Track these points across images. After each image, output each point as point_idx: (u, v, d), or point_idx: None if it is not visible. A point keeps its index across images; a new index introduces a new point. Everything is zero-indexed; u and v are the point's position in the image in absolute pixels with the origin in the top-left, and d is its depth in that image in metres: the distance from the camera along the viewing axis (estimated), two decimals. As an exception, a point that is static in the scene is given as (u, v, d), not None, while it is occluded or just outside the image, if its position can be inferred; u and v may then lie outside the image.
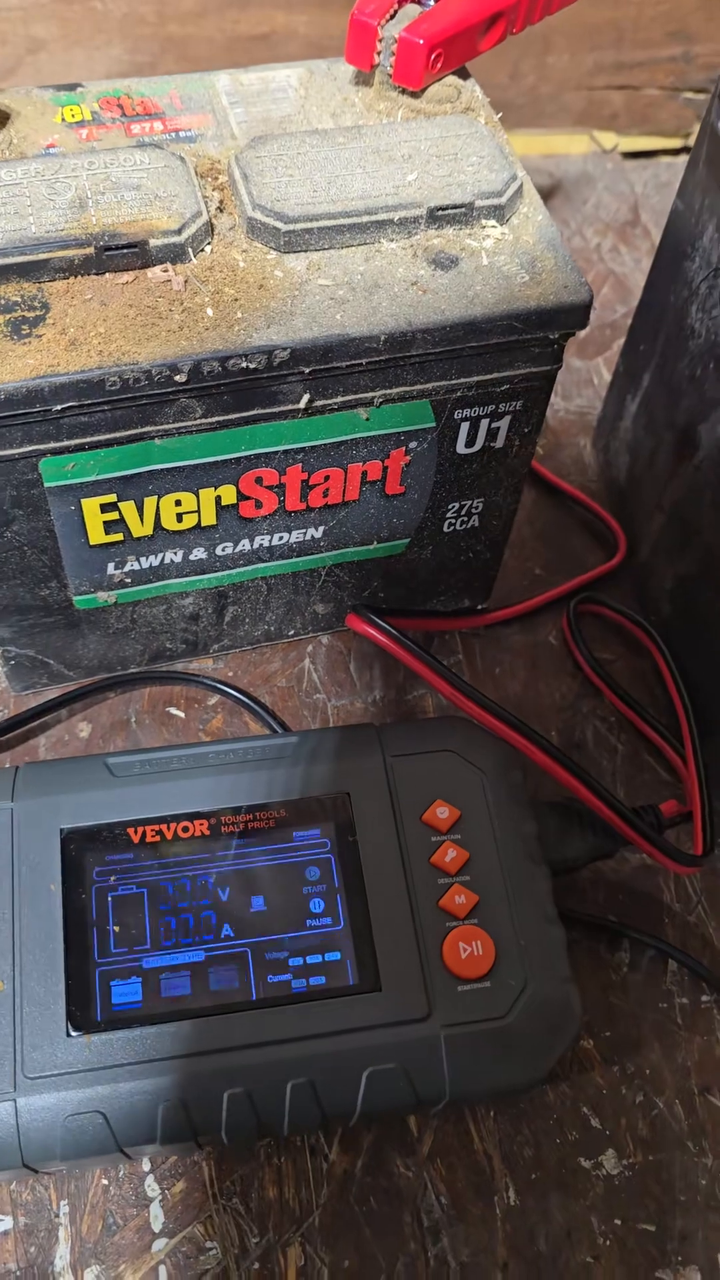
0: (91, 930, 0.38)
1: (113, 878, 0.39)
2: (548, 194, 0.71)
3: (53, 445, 0.38)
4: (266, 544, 0.45)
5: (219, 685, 0.50)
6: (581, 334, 0.65)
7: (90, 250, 0.37)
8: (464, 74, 0.46)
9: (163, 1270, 0.39)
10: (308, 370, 0.38)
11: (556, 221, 0.68)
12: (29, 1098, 0.35)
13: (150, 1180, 0.41)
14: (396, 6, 0.44)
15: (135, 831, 0.39)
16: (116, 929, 0.38)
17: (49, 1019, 0.36)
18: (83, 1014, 0.36)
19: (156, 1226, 0.40)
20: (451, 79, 0.45)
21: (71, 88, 0.45)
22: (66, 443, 0.38)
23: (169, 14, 0.63)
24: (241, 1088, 0.36)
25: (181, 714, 0.50)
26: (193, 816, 0.40)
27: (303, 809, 0.40)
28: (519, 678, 0.52)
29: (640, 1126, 0.43)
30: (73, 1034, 0.36)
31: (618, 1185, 0.42)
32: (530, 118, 0.71)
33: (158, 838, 0.39)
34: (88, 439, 0.38)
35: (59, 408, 0.36)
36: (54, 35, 0.62)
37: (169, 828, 0.40)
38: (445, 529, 0.48)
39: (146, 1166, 0.41)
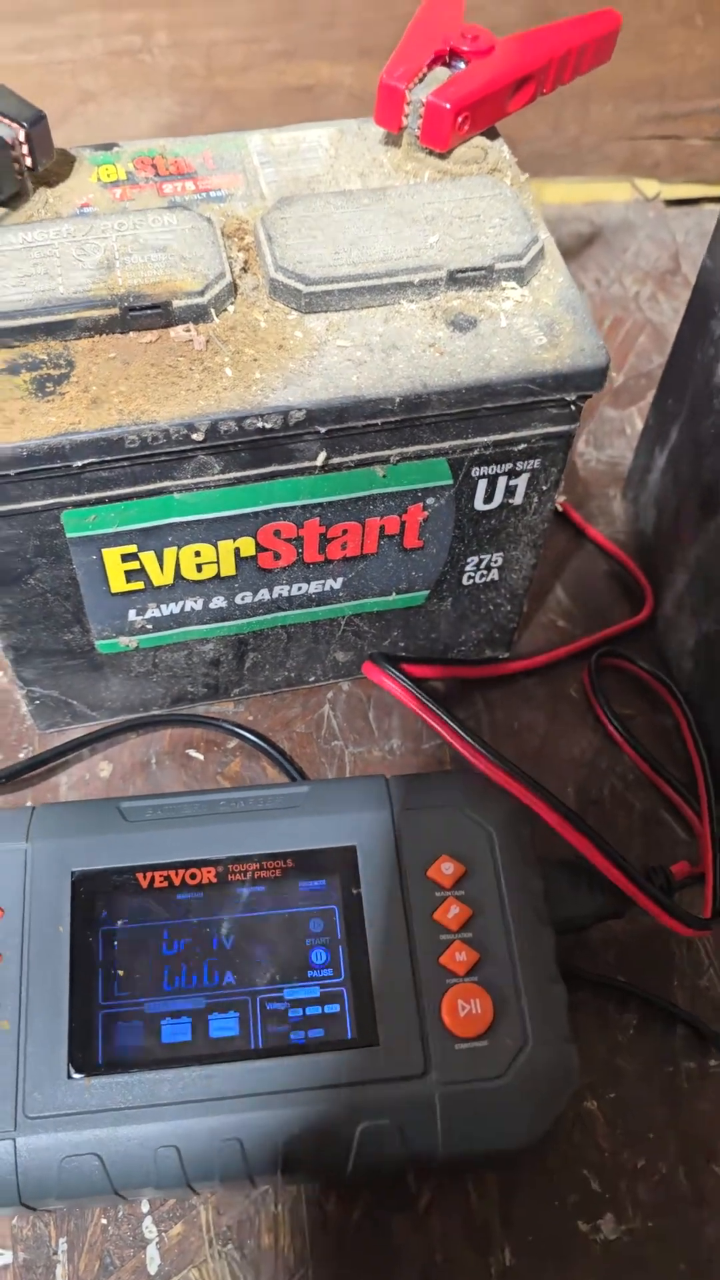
0: (97, 972, 0.38)
1: (120, 921, 0.39)
2: (588, 241, 0.71)
3: (74, 498, 0.39)
4: (286, 594, 0.46)
5: (238, 730, 0.50)
6: (617, 382, 0.65)
7: (115, 311, 0.38)
8: (492, 134, 0.47)
9: (156, 1315, 0.40)
10: (324, 430, 0.39)
11: (595, 269, 0.68)
12: (28, 1137, 0.36)
13: (148, 1222, 0.41)
14: (425, 70, 0.45)
15: (144, 876, 0.40)
16: (121, 972, 0.39)
17: (51, 1060, 0.37)
18: (84, 1056, 0.37)
19: (153, 1269, 0.40)
20: (479, 140, 0.46)
21: (109, 147, 0.46)
22: (88, 496, 0.39)
23: (216, 67, 0.64)
24: (236, 1137, 0.36)
25: (200, 756, 0.51)
26: (201, 864, 0.40)
27: (309, 860, 0.41)
28: (538, 730, 0.52)
29: (641, 1191, 0.42)
30: (74, 1076, 0.37)
31: (616, 1250, 0.41)
32: (572, 167, 0.72)
33: (166, 883, 0.40)
34: (108, 493, 0.39)
35: (80, 464, 0.37)
36: (104, 87, 0.64)
37: (177, 874, 0.40)
38: (464, 582, 0.48)
39: (145, 1208, 0.41)
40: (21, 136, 0.42)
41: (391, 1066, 0.37)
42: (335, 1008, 0.38)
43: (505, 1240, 0.41)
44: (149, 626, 0.45)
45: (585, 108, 0.68)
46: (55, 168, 0.44)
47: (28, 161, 0.42)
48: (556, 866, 0.43)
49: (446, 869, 0.41)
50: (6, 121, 0.42)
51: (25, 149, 0.42)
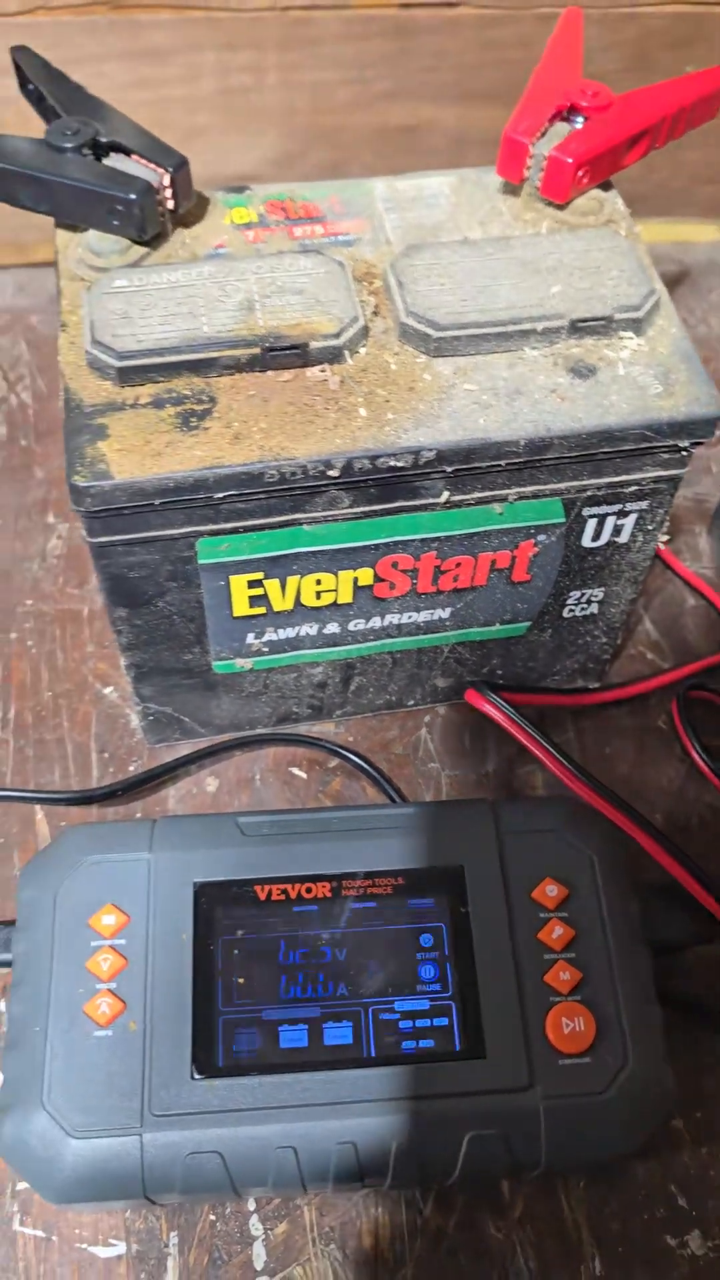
0: (218, 980, 0.40)
1: (239, 931, 0.41)
2: (675, 281, 0.73)
3: (210, 527, 0.41)
4: (396, 622, 0.48)
5: (341, 751, 0.52)
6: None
7: (256, 350, 0.41)
8: (606, 186, 0.49)
9: (263, 1310, 0.41)
10: (450, 469, 0.41)
11: (682, 309, 0.70)
12: (154, 1134, 0.38)
13: (254, 1220, 0.43)
14: (547, 124, 0.47)
15: (262, 889, 0.42)
16: (240, 980, 0.40)
17: (176, 1061, 0.39)
18: (206, 1058, 0.39)
19: (259, 1265, 0.42)
20: (595, 192, 0.48)
21: (240, 190, 0.48)
22: (223, 525, 0.41)
23: (322, 106, 0.67)
24: (351, 1141, 0.38)
25: (303, 775, 0.53)
26: (316, 879, 0.42)
27: (419, 878, 0.42)
28: (627, 759, 0.54)
29: (729, 1211, 0.44)
30: (196, 1077, 0.38)
31: (703, 1266, 0.42)
32: (661, 208, 0.74)
33: (283, 896, 0.42)
34: (242, 523, 0.41)
35: (220, 495, 0.40)
36: (214, 124, 0.67)
37: (293, 888, 0.42)
38: (565, 614, 0.50)
39: (251, 1206, 0.43)
40: (166, 180, 0.44)
41: (498, 1079, 0.39)
42: (444, 1021, 0.40)
43: (596, 1250, 0.43)
44: (265, 649, 0.47)
45: (676, 152, 0.69)
46: (191, 210, 0.47)
47: (170, 204, 0.45)
48: (653, 890, 0.45)
49: (550, 891, 0.42)
50: (152, 165, 0.44)
51: (169, 192, 0.44)
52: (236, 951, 0.41)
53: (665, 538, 0.47)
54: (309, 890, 0.42)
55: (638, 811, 0.45)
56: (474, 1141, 0.38)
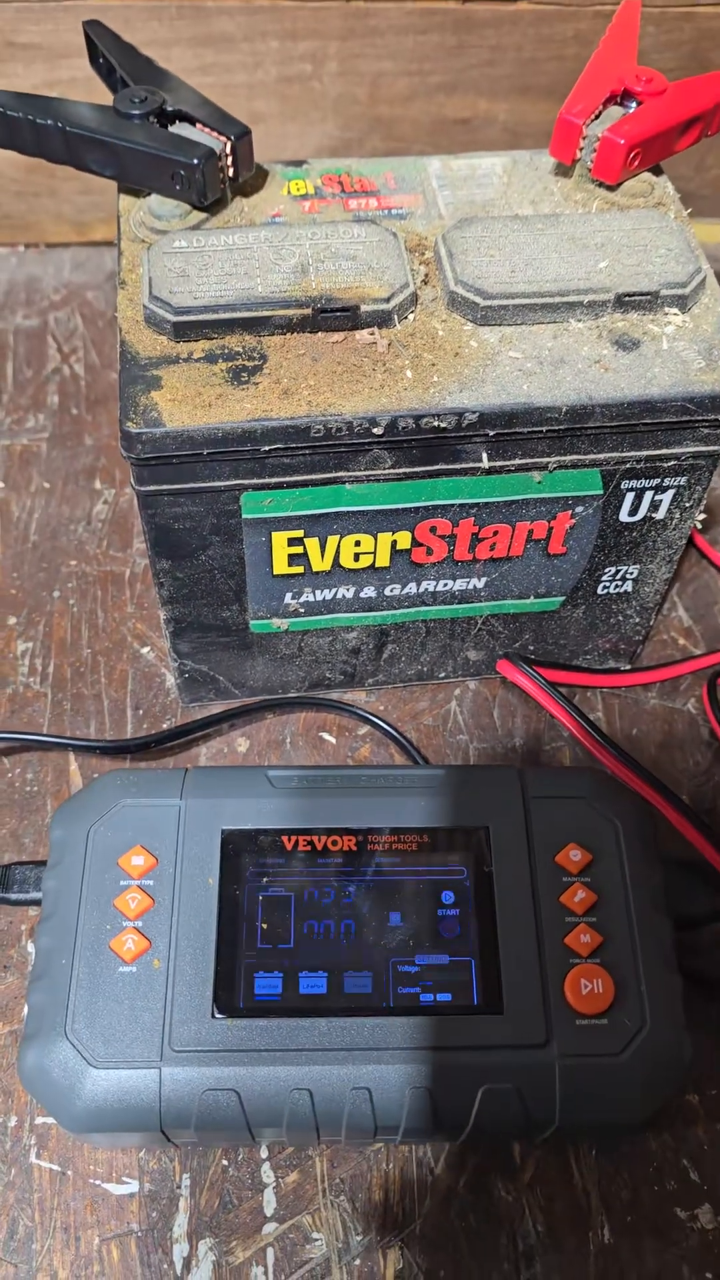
0: (242, 925, 0.41)
1: (265, 879, 0.42)
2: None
3: (255, 481, 0.42)
4: (431, 589, 0.49)
5: (370, 717, 0.53)
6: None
7: (308, 311, 0.42)
8: (657, 170, 0.49)
9: (270, 1252, 0.42)
10: (492, 433, 0.42)
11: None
12: (173, 1069, 0.38)
13: (266, 1167, 0.43)
14: (600, 108, 0.47)
15: (289, 839, 0.43)
16: (264, 926, 0.41)
17: (197, 1000, 0.39)
18: (227, 999, 0.40)
19: (269, 1211, 0.43)
20: (645, 175, 0.49)
21: (299, 164, 0.50)
22: (268, 480, 0.42)
23: (380, 96, 0.68)
24: (365, 1087, 0.39)
25: (333, 740, 0.54)
26: (342, 832, 0.43)
27: (444, 837, 0.43)
28: (654, 741, 0.54)
29: (739, 1187, 0.44)
30: (217, 1016, 0.39)
31: (712, 1240, 0.43)
32: (712, 208, 0.74)
33: (309, 847, 0.43)
34: (287, 478, 0.42)
35: (267, 448, 0.41)
36: (274, 111, 0.68)
37: (319, 839, 0.43)
38: (599, 591, 0.50)
39: (264, 1154, 0.44)
40: (228, 149, 0.45)
41: (514, 1034, 0.39)
42: (463, 976, 0.40)
43: (605, 1218, 0.43)
44: (301, 610, 0.48)
45: (729, 152, 0.71)
46: (250, 180, 0.48)
47: (230, 172, 0.46)
48: (675, 865, 0.45)
49: (574, 856, 0.43)
50: (215, 134, 0.45)
51: (230, 160, 0.45)
52: (261, 898, 0.42)
53: (702, 516, 0.47)
54: (335, 843, 0.43)
55: (665, 785, 0.46)
56: (488, 1095, 0.39)
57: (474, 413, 0.41)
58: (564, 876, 0.42)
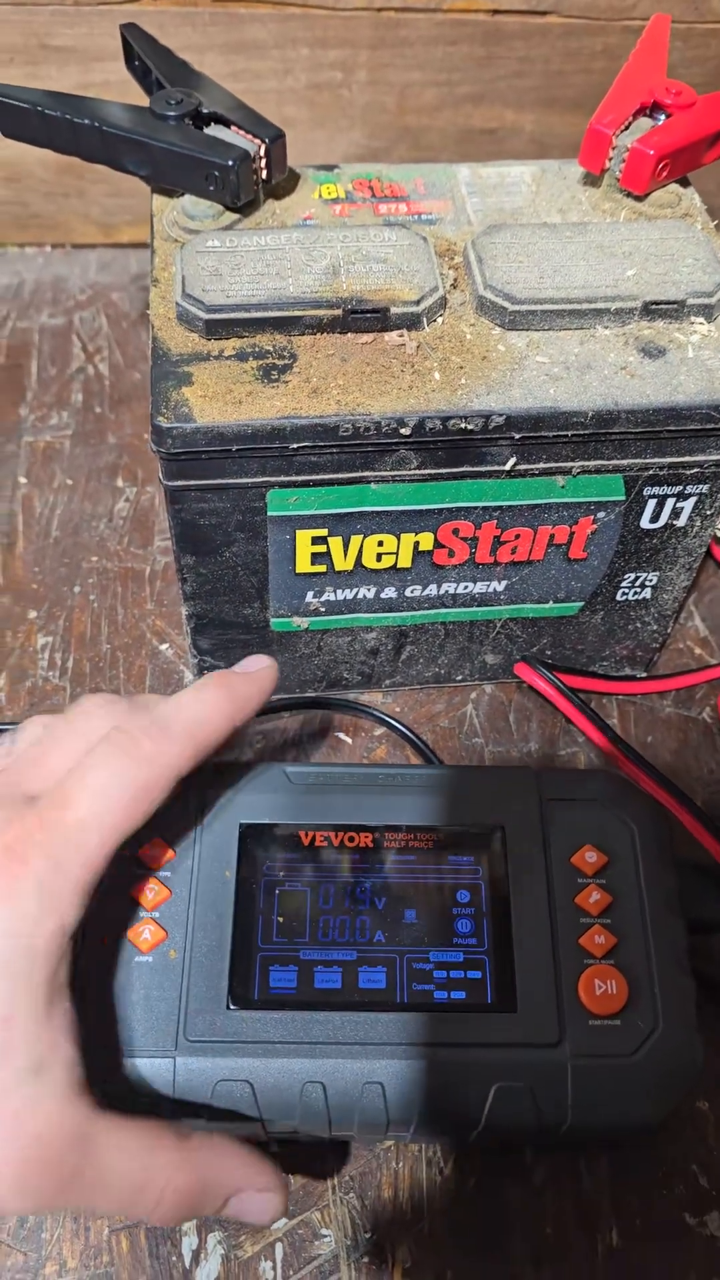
0: (258, 918, 0.41)
1: (281, 873, 0.42)
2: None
3: (282, 479, 0.43)
4: (452, 591, 0.49)
5: (387, 719, 0.53)
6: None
7: (338, 312, 0.42)
8: (685, 182, 0.50)
9: (279, 1248, 0.42)
10: (518, 436, 0.42)
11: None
12: (187, 1058, 0.39)
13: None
14: (630, 119, 0.48)
15: (306, 835, 0.43)
16: (280, 920, 0.41)
17: (212, 991, 0.40)
18: (242, 991, 0.40)
19: (268, 1221, 0.42)
20: (673, 186, 0.49)
21: (330, 168, 0.50)
22: (294, 478, 0.43)
23: (409, 106, 0.69)
24: (379, 1081, 0.39)
25: (349, 740, 0.54)
26: (359, 829, 0.43)
27: (460, 835, 0.43)
28: (669, 748, 0.54)
29: (748, 1194, 0.44)
30: (232, 1008, 0.39)
31: (720, 1247, 0.43)
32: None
33: (325, 843, 0.43)
34: (313, 476, 0.43)
35: (295, 446, 0.41)
36: (303, 117, 0.69)
37: (336, 835, 0.43)
38: (619, 597, 0.51)
39: (274, 1149, 0.44)
40: (262, 151, 0.46)
41: (527, 1033, 0.39)
42: (477, 974, 0.40)
43: (614, 1222, 0.43)
44: (322, 609, 0.49)
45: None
46: (282, 183, 0.49)
47: (264, 174, 0.46)
48: (689, 869, 0.45)
49: (590, 858, 0.43)
50: (249, 137, 0.46)
51: (264, 162, 0.46)
52: (278, 892, 0.42)
53: (723, 524, 0.48)
54: (351, 839, 0.43)
55: (680, 789, 0.46)
56: (500, 1093, 0.39)
57: (500, 415, 0.41)
58: (579, 878, 0.42)
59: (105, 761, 0.35)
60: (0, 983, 0.32)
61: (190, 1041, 0.39)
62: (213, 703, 0.37)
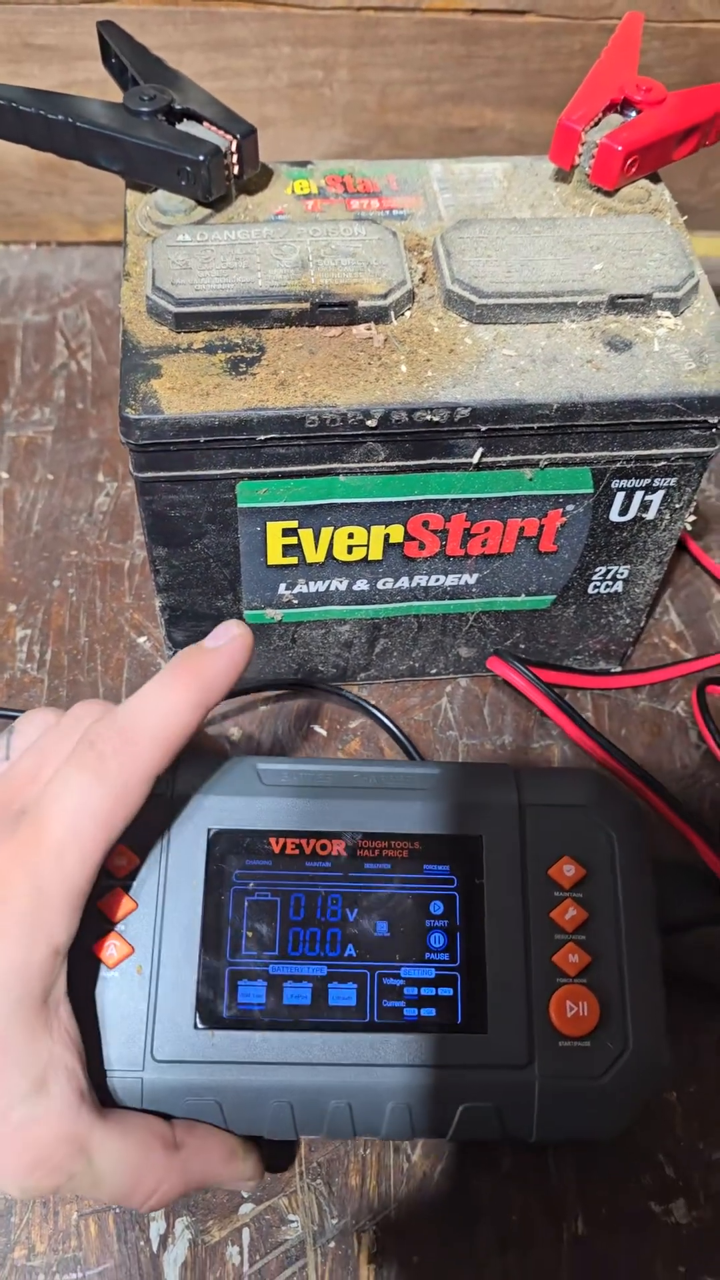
0: (226, 930, 0.40)
1: (251, 883, 0.40)
2: (722, 294, 0.74)
3: (251, 470, 0.43)
4: (423, 584, 0.49)
5: (364, 703, 0.54)
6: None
7: (307, 305, 0.42)
8: (655, 178, 0.50)
9: (246, 1233, 0.42)
10: (484, 429, 0.42)
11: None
12: (155, 1076, 0.38)
13: (245, 1150, 0.44)
14: (600, 115, 0.48)
15: (276, 842, 0.41)
16: (249, 933, 0.40)
17: (179, 1009, 0.39)
18: (210, 1009, 0.39)
19: (244, 1193, 0.43)
20: (643, 182, 0.49)
21: (303, 164, 0.51)
22: (264, 470, 0.43)
23: (389, 104, 0.69)
24: (346, 1101, 0.38)
25: (324, 732, 0.54)
26: (331, 836, 0.41)
27: (435, 844, 0.41)
28: (642, 742, 0.55)
29: (714, 1182, 0.44)
30: (199, 1026, 0.38)
31: (685, 1235, 0.43)
32: (715, 221, 0.75)
33: (296, 851, 0.41)
34: (282, 468, 0.43)
35: (263, 437, 0.41)
36: (284, 115, 0.69)
37: (308, 843, 0.41)
38: (590, 590, 0.51)
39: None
40: (234, 147, 0.46)
41: (497, 1055, 0.39)
42: (449, 991, 0.39)
43: (580, 1210, 0.43)
44: (295, 601, 0.49)
45: (733, 167, 0.72)
46: (255, 179, 0.49)
47: (235, 169, 0.47)
48: (668, 867, 0.44)
49: (568, 870, 0.41)
50: (221, 132, 0.46)
51: (235, 158, 0.46)
52: (247, 904, 0.40)
53: (692, 518, 0.48)
54: (324, 847, 0.41)
55: (656, 780, 0.46)
56: (467, 1112, 0.38)
57: (466, 408, 0.41)
58: (556, 891, 0.41)
59: (73, 782, 0.35)
60: None
61: (157, 1061, 0.38)
62: (178, 698, 0.36)
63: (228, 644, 0.38)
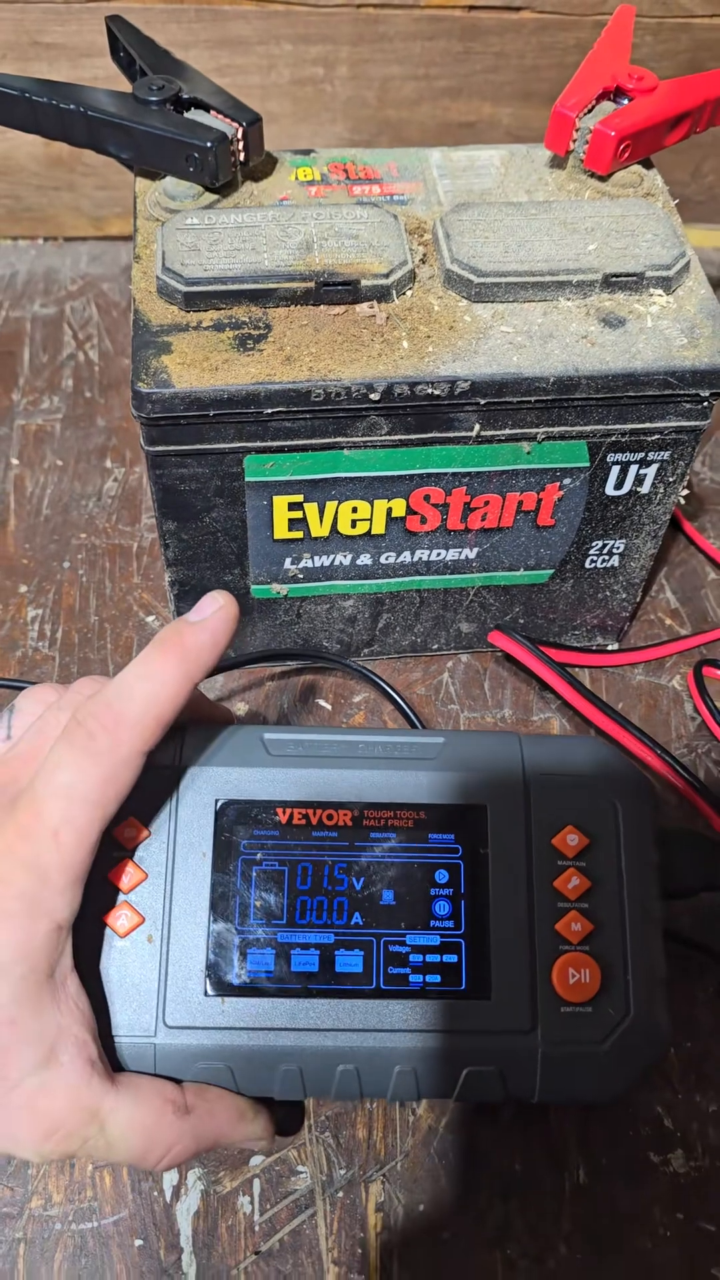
0: (235, 899, 0.40)
1: (259, 853, 0.41)
2: (716, 284, 0.76)
3: (258, 444, 0.44)
4: (425, 558, 0.51)
5: (372, 675, 0.55)
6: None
7: (311, 284, 0.44)
8: (648, 164, 0.52)
9: (257, 1184, 0.43)
10: (483, 402, 0.44)
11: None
12: (167, 1042, 0.39)
13: (255, 1105, 0.45)
14: (594, 102, 0.50)
15: (284, 812, 0.41)
16: (257, 902, 0.40)
17: (190, 976, 0.39)
18: (220, 976, 0.39)
19: (257, 1151, 0.44)
20: (636, 168, 0.51)
21: (306, 152, 0.52)
22: (270, 443, 0.44)
23: (389, 99, 0.71)
24: (353, 1065, 0.39)
25: (328, 706, 0.56)
26: (338, 806, 0.42)
27: (440, 814, 0.42)
28: (640, 715, 0.56)
29: (711, 1134, 0.45)
30: (210, 993, 0.39)
31: (683, 1184, 0.44)
32: (708, 213, 0.77)
33: (304, 821, 0.41)
34: (288, 442, 0.44)
35: (269, 411, 0.43)
36: (286, 111, 0.71)
37: (315, 813, 0.41)
38: (587, 565, 0.52)
39: (253, 1092, 0.45)
40: (240, 134, 0.48)
41: (500, 1020, 0.39)
42: (453, 958, 0.40)
43: (580, 1160, 0.44)
44: (300, 576, 0.51)
45: (725, 159, 0.73)
46: (260, 166, 0.51)
47: (241, 156, 0.48)
48: (672, 834, 0.45)
49: (571, 840, 0.41)
50: (228, 120, 0.48)
51: (241, 145, 0.48)
52: (255, 873, 0.41)
53: (685, 493, 0.50)
54: (330, 817, 0.42)
55: (659, 744, 0.47)
56: (472, 1076, 0.39)
57: (466, 381, 0.43)
58: (559, 860, 0.41)
59: (65, 761, 0.35)
60: (2, 988, 0.34)
61: (169, 1027, 0.39)
62: (163, 672, 0.36)
63: (211, 616, 0.38)
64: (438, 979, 0.40)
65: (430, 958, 0.40)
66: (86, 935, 0.39)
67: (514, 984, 0.40)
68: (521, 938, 0.40)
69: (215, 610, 0.38)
